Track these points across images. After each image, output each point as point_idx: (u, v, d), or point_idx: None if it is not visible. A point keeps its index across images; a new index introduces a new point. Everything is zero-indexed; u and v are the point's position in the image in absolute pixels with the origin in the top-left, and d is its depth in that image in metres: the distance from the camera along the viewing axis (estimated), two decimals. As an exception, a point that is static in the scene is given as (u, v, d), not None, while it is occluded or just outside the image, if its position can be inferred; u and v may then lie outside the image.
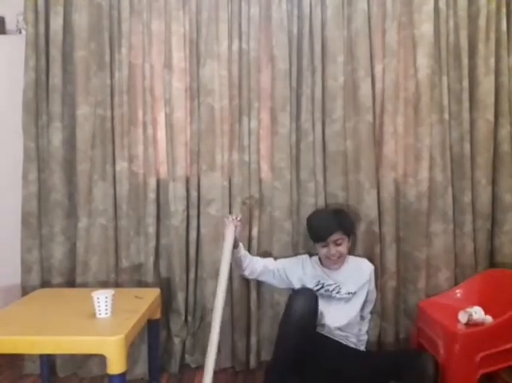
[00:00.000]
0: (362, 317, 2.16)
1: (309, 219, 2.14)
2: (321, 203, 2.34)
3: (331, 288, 2.06)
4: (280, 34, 2.30)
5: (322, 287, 2.07)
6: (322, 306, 1.99)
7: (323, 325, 2.01)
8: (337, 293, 2.06)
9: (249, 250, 2.28)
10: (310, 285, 2.07)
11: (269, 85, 2.35)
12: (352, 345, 2.06)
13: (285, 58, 2.30)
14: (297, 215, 2.35)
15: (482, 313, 2.01)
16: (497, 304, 2.05)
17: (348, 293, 2.07)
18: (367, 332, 2.18)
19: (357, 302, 2.09)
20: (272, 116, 2.34)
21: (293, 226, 2.34)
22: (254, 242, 2.33)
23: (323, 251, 2.05)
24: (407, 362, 1.79)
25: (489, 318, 1.98)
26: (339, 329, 2.02)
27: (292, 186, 2.35)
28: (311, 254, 2.22)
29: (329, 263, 2.08)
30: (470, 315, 1.99)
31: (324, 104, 2.33)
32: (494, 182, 2.37)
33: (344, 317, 2.05)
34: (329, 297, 2.06)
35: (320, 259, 2.15)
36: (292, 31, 2.32)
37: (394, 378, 1.79)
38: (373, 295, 2.21)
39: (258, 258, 2.17)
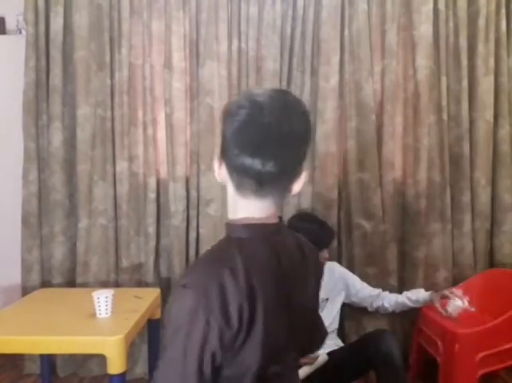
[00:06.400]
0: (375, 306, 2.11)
1: (322, 228, 2.02)
2: (304, 203, 2.34)
3: None
4: (271, 35, 2.29)
5: None
6: None
7: None
8: None
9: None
10: None
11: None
12: (334, 346, 1.99)
13: (276, 58, 2.29)
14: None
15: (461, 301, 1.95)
16: (497, 304, 2.05)
17: (321, 300, 2.05)
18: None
19: (334, 307, 2.07)
20: None
21: None
22: None
23: (324, 255, 2.00)
24: (372, 347, 1.77)
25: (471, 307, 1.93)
26: None
27: None
28: None
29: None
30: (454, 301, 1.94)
31: (315, 105, 2.32)
32: (493, 182, 2.37)
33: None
34: None
35: None
36: (285, 31, 2.32)
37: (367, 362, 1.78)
38: (365, 291, 2.09)
39: None
